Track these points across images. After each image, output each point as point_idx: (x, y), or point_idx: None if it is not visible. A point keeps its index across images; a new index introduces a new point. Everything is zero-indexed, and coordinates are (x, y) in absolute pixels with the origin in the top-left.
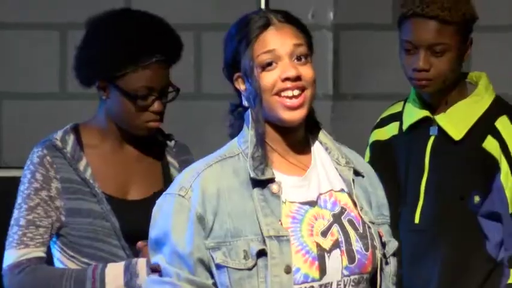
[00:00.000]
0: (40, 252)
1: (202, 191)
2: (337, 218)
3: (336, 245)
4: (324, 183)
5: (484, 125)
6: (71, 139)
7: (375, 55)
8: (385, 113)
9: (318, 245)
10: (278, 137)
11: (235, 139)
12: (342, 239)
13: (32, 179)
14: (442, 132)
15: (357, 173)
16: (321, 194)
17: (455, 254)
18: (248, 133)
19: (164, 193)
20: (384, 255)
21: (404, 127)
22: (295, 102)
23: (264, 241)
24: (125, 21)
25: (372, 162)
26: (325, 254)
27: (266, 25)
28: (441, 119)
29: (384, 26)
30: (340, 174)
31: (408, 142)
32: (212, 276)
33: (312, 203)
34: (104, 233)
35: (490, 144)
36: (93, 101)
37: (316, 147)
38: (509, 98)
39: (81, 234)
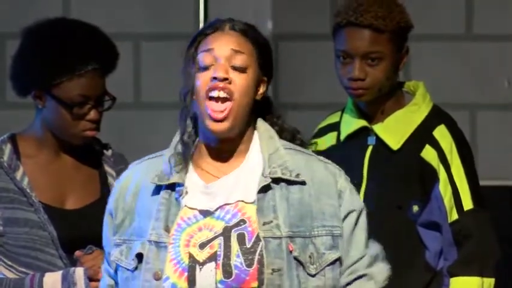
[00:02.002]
0: None
1: (121, 187)
2: (226, 231)
3: (212, 258)
4: (236, 193)
5: (422, 135)
6: (7, 148)
7: (313, 65)
8: (323, 123)
9: (191, 256)
10: (212, 144)
11: None
12: (220, 252)
13: None
14: (379, 141)
15: (288, 181)
16: (226, 204)
17: (394, 264)
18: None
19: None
20: (306, 268)
21: (342, 137)
22: (219, 115)
23: (145, 245)
24: (59, 30)
25: None
26: (197, 266)
27: (215, 29)
28: (379, 128)
29: (322, 36)
30: (258, 185)
31: (346, 152)
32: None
33: (208, 213)
34: (42, 242)
35: (428, 153)
36: (33, 110)
37: (253, 156)
38: (447, 107)
39: (19, 244)
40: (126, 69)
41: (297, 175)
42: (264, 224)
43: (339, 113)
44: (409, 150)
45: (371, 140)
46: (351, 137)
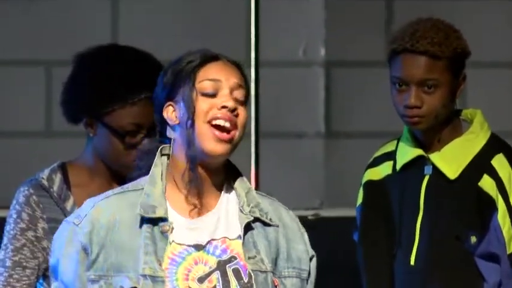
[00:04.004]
0: None
1: (93, 222)
2: (221, 266)
3: None
4: (220, 230)
5: (480, 164)
6: (57, 178)
7: (368, 92)
8: (379, 152)
9: None
10: (189, 175)
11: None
12: (220, 287)
13: (18, 219)
14: (436, 171)
15: (264, 223)
16: (213, 240)
17: None
18: (152, 169)
19: (64, 220)
20: None
21: (398, 166)
22: (225, 135)
23: (138, 280)
24: (112, 57)
25: (365, 202)
26: None
27: (215, 58)
28: (435, 157)
29: (376, 63)
30: (240, 222)
31: (402, 182)
32: None
33: (199, 247)
34: None
35: (486, 183)
36: (79, 138)
37: (228, 193)
38: (506, 135)
39: None
40: None
41: (270, 219)
42: (249, 258)
43: (395, 141)
44: (466, 179)
45: (427, 170)
46: (407, 166)
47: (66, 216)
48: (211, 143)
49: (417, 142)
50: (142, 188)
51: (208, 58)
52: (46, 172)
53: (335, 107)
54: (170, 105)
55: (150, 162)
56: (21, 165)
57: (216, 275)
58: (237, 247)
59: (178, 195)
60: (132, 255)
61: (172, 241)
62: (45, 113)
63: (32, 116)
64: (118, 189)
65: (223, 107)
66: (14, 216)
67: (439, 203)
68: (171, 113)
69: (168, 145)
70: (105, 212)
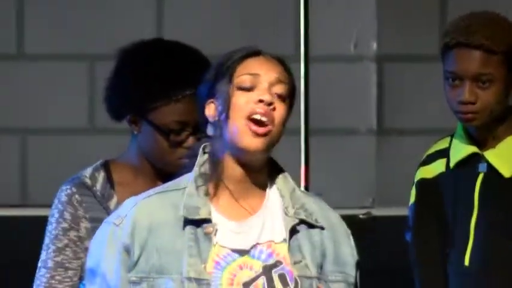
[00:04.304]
0: None
1: (134, 222)
2: (267, 271)
3: None
4: (265, 233)
5: None
6: (101, 176)
7: (421, 88)
8: (432, 149)
9: None
10: (236, 176)
11: (189, 173)
12: None
13: (60, 219)
14: (491, 169)
15: (309, 224)
16: (258, 244)
17: None
18: (194, 169)
19: (104, 220)
20: None
21: (452, 164)
22: (261, 129)
23: (183, 282)
24: (156, 52)
25: (418, 201)
26: None
27: (256, 53)
28: (490, 155)
29: (430, 57)
30: (284, 225)
31: (455, 180)
32: None
33: (243, 252)
34: None
35: None
36: (123, 136)
37: (272, 193)
38: None
39: None
40: None
41: (316, 220)
42: (295, 263)
43: (448, 138)
44: None
45: (482, 167)
46: (460, 164)
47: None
48: (247, 138)
49: (471, 139)
50: (184, 188)
51: (249, 53)
52: (89, 170)
53: (387, 103)
54: (212, 102)
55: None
56: (63, 164)
57: (262, 280)
58: (282, 251)
59: (221, 196)
60: (175, 257)
61: (216, 243)
62: (88, 110)
63: (75, 113)
64: (159, 188)
65: (260, 100)
66: (56, 215)
67: (494, 202)
68: (211, 110)
69: (209, 143)
70: (146, 212)
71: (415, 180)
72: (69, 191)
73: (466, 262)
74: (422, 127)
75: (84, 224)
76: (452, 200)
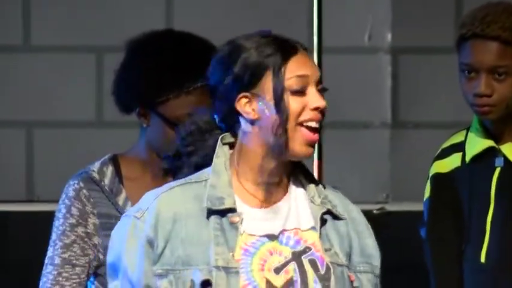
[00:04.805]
0: None
1: (157, 214)
2: (296, 256)
3: (289, 283)
4: (291, 220)
5: None
6: (109, 171)
7: (437, 80)
8: (447, 143)
9: (268, 282)
10: (262, 167)
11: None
12: (297, 278)
13: (68, 214)
14: (508, 163)
15: (334, 216)
16: (285, 230)
17: None
18: (214, 161)
19: (123, 214)
20: None
21: (467, 158)
22: (315, 137)
23: (211, 271)
24: (167, 43)
25: (433, 196)
26: None
27: (295, 49)
28: (507, 149)
29: (446, 49)
30: (312, 213)
31: (471, 174)
32: None
33: (272, 237)
34: None
35: None
36: (132, 129)
37: (295, 182)
38: None
39: None
40: None
41: (340, 212)
42: (326, 250)
43: (464, 132)
44: None
45: (499, 162)
46: (476, 158)
47: (118, 211)
48: (302, 146)
49: (487, 133)
50: (206, 180)
51: (290, 51)
52: (97, 165)
53: (402, 95)
54: (244, 97)
55: (207, 150)
56: (70, 158)
57: (293, 265)
58: (310, 238)
59: (245, 186)
60: (202, 248)
61: (244, 232)
62: (96, 103)
63: (82, 106)
64: (181, 180)
65: (316, 108)
66: (63, 211)
67: (511, 197)
68: (244, 105)
69: (227, 134)
70: (169, 204)
71: (430, 175)
72: (76, 185)
73: (482, 259)
74: (437, 120)
75: (92, 220)
76: (468, 195)
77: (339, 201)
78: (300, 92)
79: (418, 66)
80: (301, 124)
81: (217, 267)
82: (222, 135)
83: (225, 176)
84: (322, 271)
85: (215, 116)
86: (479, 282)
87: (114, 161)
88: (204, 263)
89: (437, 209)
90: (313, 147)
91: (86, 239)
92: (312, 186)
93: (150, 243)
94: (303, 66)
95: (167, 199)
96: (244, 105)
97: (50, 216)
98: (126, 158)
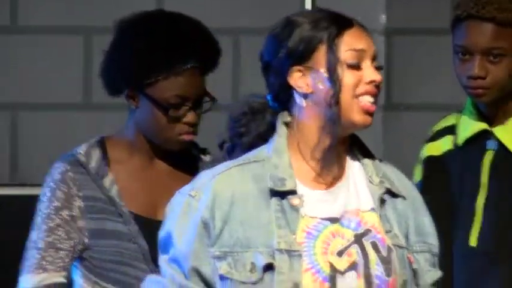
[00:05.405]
0: (60, 278)
1: (214, 195)
2: (358, 239)
3: (352, 266)
4: (352, 201)
5: None
6: (96, 153)
7: (431, 62)
8: (439, 125)
9: (331, 265)
10: (319, 143)
11: (266, 145)
12: (360, 261)
13: (53, 197)
14: (501, 146)
15: (393, 194)
16: (346, 212)
17: None
18: (275, 139)
19: (177, 191)
20: (417, 284)
21: (460, 141)
22: (373, 107)
23: (274, 254)
24: (157, 24)
25: (425, 178)
26: (338, 275)
27: (351, 23)
28: (500, 131)
29: (441, 31)
30: (371, 193)
31: (463, 157)
32: (206, 286)
33: (334, 220)
34: (131, 256)
35: None
36: (120, 112)
37: (353, 162)
38: None
39: (106, 258)
40: (224, 67)
41: (398, 189)
42: (387, 232)
43: (457, 114)
44: None
45: (491, 145)
46: (469, 141)
47: (104, 194)
48: (360, 115)
49: (481, 115)
50: (264, 160)
51: (345, 24)
52: (84, 147)
53: (396, 77)
54: (298, 70)
55: (258, 128)
56: (57, 140)
57: (355, 248)
58: (370, 219)
59: (304, 166)
60: (261, 230)
61: (305, 214)
62: (84, 84)
63: (70, 88)
64: (238, 160)
65: (372, 81)
66: (48, 194)
67: (503, 181)
68: (298, 79)
69: (285, 112)
70: (227, 185)
71: (422, 157)
72: (62, 168)
73: (472, 242)
74: (431, 102)
75: (78, 203)
76: (458, 178)
77: (395, 177)
78: (355, 66)
79: (412, 48)
80: (357, 97)
81: (280, 250)
82: (280, 113)
83: (286, 156)
84: (384, 253)
85: (268, 96)
86: (470, 266)
87: (102, 143)
88: (264, 246)
89: (430, 191)
90: (371, 116)
91: (71, 223)
92: (369, 163)
93: (205, 224)
94: (359, 40)
95: (224, 180)
96: (298, 79)
97: (34, 200)
98: (113, 140)
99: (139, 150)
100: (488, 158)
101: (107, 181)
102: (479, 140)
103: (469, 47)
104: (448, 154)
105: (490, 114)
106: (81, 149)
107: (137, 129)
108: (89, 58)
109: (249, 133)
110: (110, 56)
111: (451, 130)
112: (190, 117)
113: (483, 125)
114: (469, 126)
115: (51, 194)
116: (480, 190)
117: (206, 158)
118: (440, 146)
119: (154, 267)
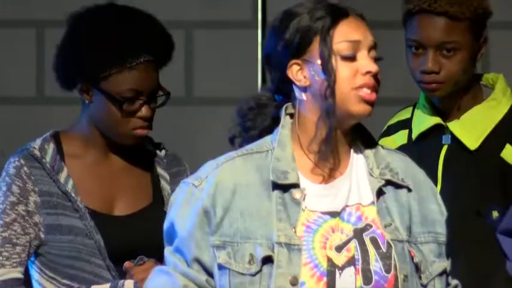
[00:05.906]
0: (17, 273)
1: (216, 184)
2: (358, 234)
3: (350, 262)
4: (353, 195)
5: (502, 133)
6: (50, 148)
7: (384, 55)
8: (393, 119)
9: (330, 260)
10: (320, 135)
11: (270, 135)
12: (358, 256)
13: (8, 192)
14: (455, 141)
15: (396, 185)
16: (347, 206)
17: (473, 274)
18: (279, 131)
19: (182, 180)
20: (420, 277)
21: (414, 136)
22: (373, 95)
23: (273, 247)
24: (109, 18)
25: None
26: (336, 270)
27: (346, 13)
28: (454, 126)
29: (392, 24)
30: (371, 187)
31: (418, 152)
32: (208, 274)
33: (334, 214)
34: (87, 251)
35: (509, 153)
36: (74, 106)
37: (357, 155)
38: None
39: (62, 253)
40: (177, 60)
41: (402, 179)
42: (386, 226)
43: (411, 108)
44: (488, 150)
45: (446, 139)
46: (423, 135)
47: (59, 189)
48: (358, 104)
49: (435, 110)
50: (267, 151)
51: (340, 14)
52: (38, 142)
53: None
54: (296, 63)
55: (264, 122)
56: (10, 135)
57: (354, 243)
58: (371, 214)
59: (305, 160)
60: (262, 222)
61: (306, 208)
62: (37, 78)
63: (22, 81)
64: (241, 150)
65: (368, 72)
66: (4, 189)
67: (458, 175)
68: (296, 73)
69: (290, 104)
70: (230, 174)
71: None
72: (17, 163)
73: None
74: (384, 96)
75: (33, 198)
76: None
77: (403, 165)
78: (350, 58)
79: None
80: (356, 89)
81: (279, 244)
82: (285, 105)
83: (289, 148)
84: (384, 249)
85: (271, 89)
86: None
87: (56, 138)
88: (264, 238)
89: None
90: (371, 105)
91: (26, 218)
92: (371, 155)
93: (206, 212)
94: (354, 30)
95: (228, 169)
96: (296, 73)
97: None
98: (68, 135)
99: (94, 145)
100: (443, 152)
101: (62, 176)
102: (434, 134)
103: (422, 41)
104: (402, 149)
105: (444, 109)
106: (36, 144)
107: (91, 123)
108: (42, 51)
109: (255, 127)
110: (63, 50)
111: (405, 124)
112: (144, 111)
113: (437, 120)
114: (423, 121)
115: (7, 189)
116: (436, 184)
117: (161, 153)
118: (395, 141)
119: (111, 263)
